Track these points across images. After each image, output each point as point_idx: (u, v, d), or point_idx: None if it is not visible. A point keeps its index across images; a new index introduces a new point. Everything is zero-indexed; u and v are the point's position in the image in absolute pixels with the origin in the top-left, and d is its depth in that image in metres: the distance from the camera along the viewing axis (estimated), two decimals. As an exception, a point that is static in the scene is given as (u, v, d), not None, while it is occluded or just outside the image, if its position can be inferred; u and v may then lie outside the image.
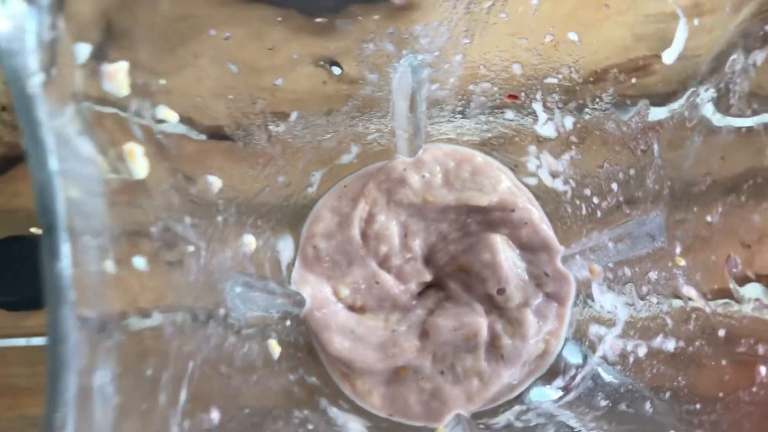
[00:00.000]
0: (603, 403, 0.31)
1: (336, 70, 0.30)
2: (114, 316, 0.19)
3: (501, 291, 0.36)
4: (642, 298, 0.31)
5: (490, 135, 0.36)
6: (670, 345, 0.29)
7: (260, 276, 0.32)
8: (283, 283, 0.35)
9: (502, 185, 0.36)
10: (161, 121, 0.23)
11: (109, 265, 0.18)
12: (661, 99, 0.29)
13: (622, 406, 0.30)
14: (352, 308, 0.37)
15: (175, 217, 0.23)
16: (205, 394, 0.24)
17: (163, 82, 0.23)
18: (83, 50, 0.19)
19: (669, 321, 0.29)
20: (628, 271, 0.32)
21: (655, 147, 0.29)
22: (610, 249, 0.32)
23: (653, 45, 0.28)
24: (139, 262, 0.20)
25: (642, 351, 0.31)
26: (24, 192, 0.44)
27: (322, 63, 0.29)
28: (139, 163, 0.21)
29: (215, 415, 0.24)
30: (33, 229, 0.44)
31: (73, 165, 0.18)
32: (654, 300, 0.30)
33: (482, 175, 0.36)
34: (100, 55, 0.19)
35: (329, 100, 0.32)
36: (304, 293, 0.36)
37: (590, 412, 0.31)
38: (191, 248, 0.24)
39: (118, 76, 0.20)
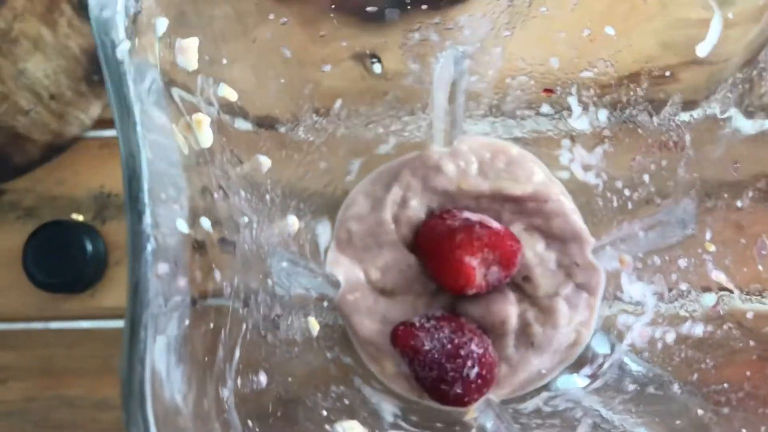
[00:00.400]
0: (631, 387, 0.32)
1: (377, 68, 0.31)
2: (183, 273, 0.20)
3: (526, 279, 0.37)
4: (671, 287, 0.32)
5: (524, 129, 0.37)
6: (699, 330, 0.30)
7: (302, 256, 0.33)
8: (321, 265, 0.36)
9: (536, 177, 0.37)
10: (222, 99, 0.25)
11: (182, 225, 0.20)
12: (692, 100, 0.30)
13: (650, 389, 0.31)
14: (382, 292, 0.38)
15: (233, 189, 0.25)
16: (255, 357, 0.26)
17: (225, 62, 0.25)
18: (162, 24, 0.20)
19: (698, 306, 0.30)
20: (657, 260, 0.33)
21: (687, 138, 0.30)
22: (640, 238, 0.33)
23: (681, 52, 0.29)
24: (205, 223, 0.21)
25: (670, 337, 0.31)
26: (67, 179, 0.45)
27: (368, 53, 0.31)
28: (205, 132, 0.22)
29: (263, 378, 0.26)
30: (74, 215, 0.45)
31: (151, 133, 0.19)
32: (683, 287, 0.31)
33: (517, 167, 0.37)
34: (175, 30, 0.21)
35: (371, 91, 0.34)
36: (338, 275, 0.37)
37: (618, 396, 0.32)
38: (245, 219, 0.26)
39: (189, 51, 0.22)
